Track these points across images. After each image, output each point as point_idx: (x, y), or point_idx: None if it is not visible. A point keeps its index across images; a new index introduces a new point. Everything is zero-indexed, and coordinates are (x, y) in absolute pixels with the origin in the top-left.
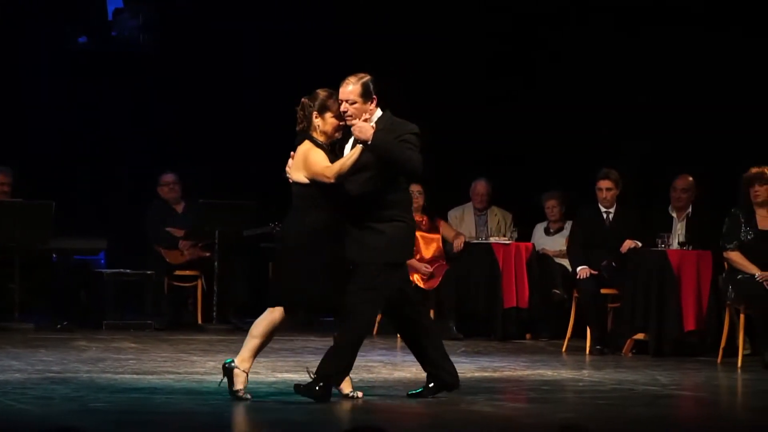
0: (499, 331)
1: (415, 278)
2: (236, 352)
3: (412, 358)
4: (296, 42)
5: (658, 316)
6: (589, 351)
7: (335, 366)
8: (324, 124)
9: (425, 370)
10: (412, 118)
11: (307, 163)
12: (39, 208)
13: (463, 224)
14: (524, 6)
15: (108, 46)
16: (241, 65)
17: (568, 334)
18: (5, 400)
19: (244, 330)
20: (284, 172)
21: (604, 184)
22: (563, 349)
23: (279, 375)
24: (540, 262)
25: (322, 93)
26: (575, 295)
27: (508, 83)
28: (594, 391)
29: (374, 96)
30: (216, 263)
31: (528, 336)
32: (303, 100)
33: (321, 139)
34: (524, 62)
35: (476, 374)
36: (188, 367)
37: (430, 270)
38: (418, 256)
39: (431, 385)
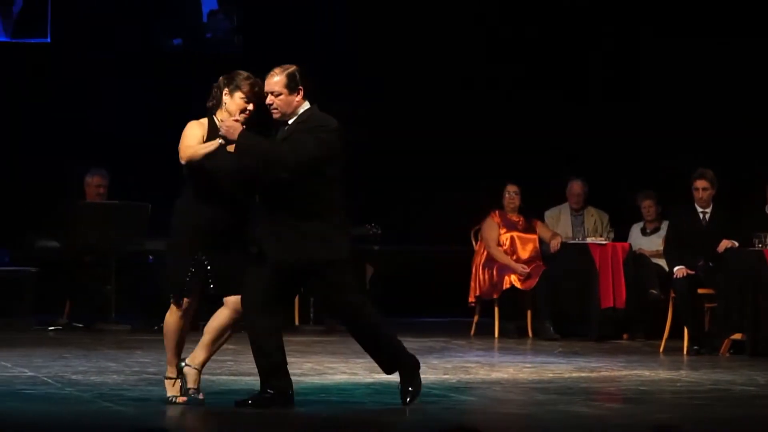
0: (596, 331)
1: (513, 279)
2: (332, 353)
3: (510, 358)
4: (388, 40)
5: (755, 316)
6: (686, 351)
7: (401, 357)
8: (231, 102)
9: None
10: (510, 117)
11: (182, 135)
12: (135, 209)
13: (559, 225)
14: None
15: (202, 48)
16: (336, 66)
17: (665, 335)
18: (102, 401)
19: (340, 331)
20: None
21: (701, 183)
22: (660, 350)
23: (376, 376)
24: (636, 262)
25: (240, 73)
26: (672, 295)
27: (606, 84)
28: (691, 391)
29: (300, 87)
30: None
31: (625, 336)
32: (220, 78)
33: (221, 116)
34: (624, 62)
35: (573, 375)
36: None
37: (527, 270)
38: (514, 257)
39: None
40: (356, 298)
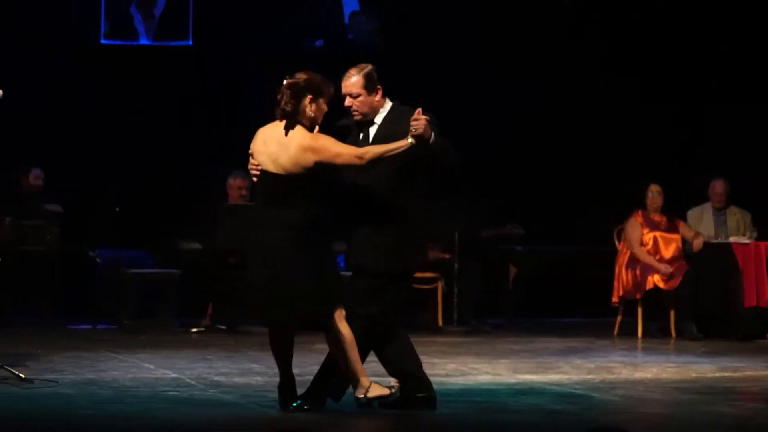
0: (740, 330)
1: (656, 278)
2: (477, 354)
3: (653, 358)
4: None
5: None
6: None
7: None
8: (316, 109)
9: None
10: (652, 117)
11: (320, 149)
12: None
13: (702, 224)
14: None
15: (344, 49)
16: (474, 67)
17: None
18: (246, 402)
19: (483, 332)
20: (250, 163)
21: None
22: None
23: (520, 376)
24: None
25: (314, 76)
26: None
27: (750, 81)
28: None
29: (379, 86)
30: (455, 264)
31: None
32: (289, 81)
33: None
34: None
35: (716, 374)
36: (428, 369)
37: (670, 270)
38: (657, 257)
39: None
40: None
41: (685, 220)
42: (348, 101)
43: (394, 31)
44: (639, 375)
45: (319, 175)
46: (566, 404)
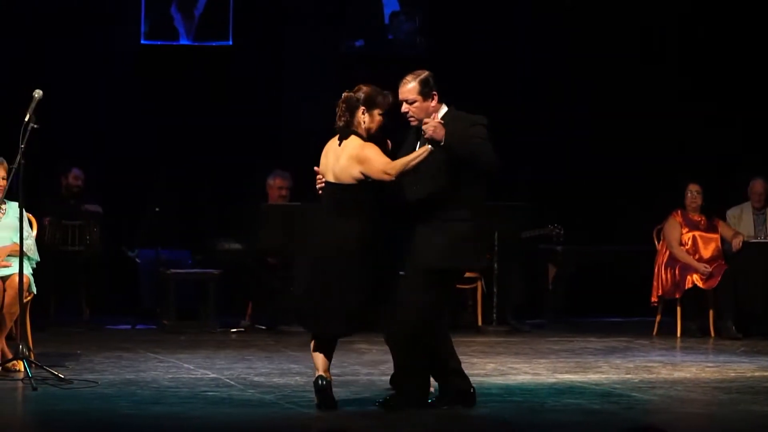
0: None
1: (695, 278)
2: (516, 353)
3: (692, 357)
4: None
5: None
6: None
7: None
8: (370, 120)
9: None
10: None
11: (364, 160)
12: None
13: (741, 223)
14: None
15: (384, 50)
16: (514, 66)
17: None
18: (285, 403)
19: (522, 331)
20: (316, 174)
21: None
22: None
23: (559, 376)
24: None
25: (368, 88)
26: None
27: None
28: None
29: (434, 93)
30: (495, 265)
31: None
32: (346, 93)
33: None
34: None
35: (756, 374)
36: (468, 368)
37: (710, 270)
38: (696, 256)
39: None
40: (414, 307)
41: (724, 219)
42: (404, 107)
43: (439, 31)
44: (678, 375)
45: (370, 184)
46: (606, 404)
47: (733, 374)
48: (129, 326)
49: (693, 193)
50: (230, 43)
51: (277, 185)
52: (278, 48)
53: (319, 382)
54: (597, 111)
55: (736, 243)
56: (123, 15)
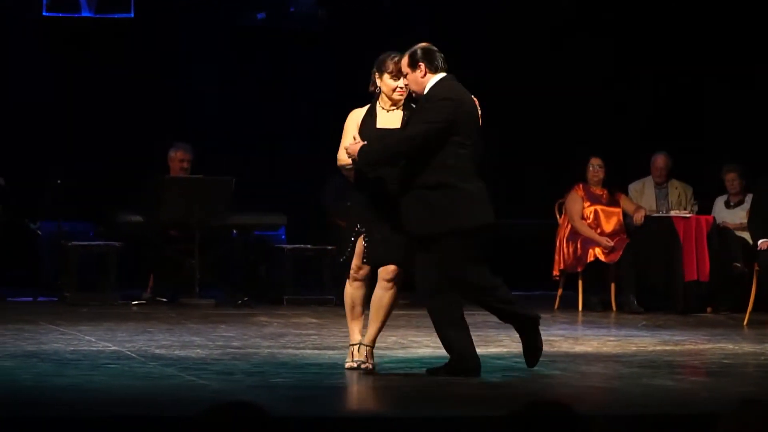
0: (680, 304)
1: (597, 252)
2: (418, 326)
3: (594, 331)
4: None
5: None
6: None
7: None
8: (383, 85)
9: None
10: (594, 91)
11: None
12: (219, 184)
13: (643, 198)
14: None
15: (286, 22)
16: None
17: (749, 308)
18: (186, 375)
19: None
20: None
21: None
22: (744, 323)
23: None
24: (720, 235)
25: (383, 55)
26: (756, 268)
27: (690, 56)
28: None
29: (419, 63)
30: None
31: (708, 309)
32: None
33: (386, 102)
34: (711, 35)
35: (657, 348)
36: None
37: (611, 244)
38: (598, 230)
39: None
40: (438, 278)
41: (626, 193)
42: (401, 80)
43: (340, 3)
44: (580, 348)
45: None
46: (507, 378)
47: (634, 348)
48: (30, 298)
49: (595, 167)
50: (132, 15)
51: (178, 158)
52: (179, 20)
53: None
54: (496, 83)
55: (638, 217)
56: None
